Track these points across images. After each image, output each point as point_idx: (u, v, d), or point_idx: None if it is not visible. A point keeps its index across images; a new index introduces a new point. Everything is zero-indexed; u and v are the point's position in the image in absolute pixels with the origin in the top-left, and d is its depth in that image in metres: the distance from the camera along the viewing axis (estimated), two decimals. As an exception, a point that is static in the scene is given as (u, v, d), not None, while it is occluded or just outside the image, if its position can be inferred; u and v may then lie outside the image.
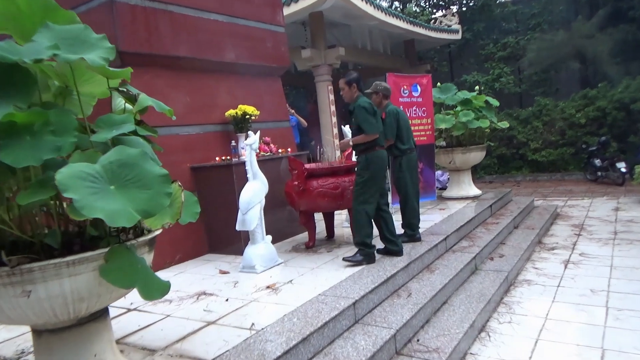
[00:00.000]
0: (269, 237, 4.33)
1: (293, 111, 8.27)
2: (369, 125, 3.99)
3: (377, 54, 13.83)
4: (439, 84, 7.03)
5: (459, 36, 15.34)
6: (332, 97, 11.48)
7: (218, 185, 4.90)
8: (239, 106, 5.37)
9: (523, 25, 17.23)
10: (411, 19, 13.32)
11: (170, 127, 4.90)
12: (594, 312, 3.75)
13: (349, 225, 5.06)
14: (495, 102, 6.76)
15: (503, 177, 14.46)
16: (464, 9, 18.28)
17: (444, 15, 15.58)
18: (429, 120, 6.41)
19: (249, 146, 4.17)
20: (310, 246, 4.85)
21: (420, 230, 5.13)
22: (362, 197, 4.04)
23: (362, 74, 17.53)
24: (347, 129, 5.75)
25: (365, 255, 4.05)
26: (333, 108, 11.48)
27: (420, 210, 6.39)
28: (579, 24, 13.98)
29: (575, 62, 14.14)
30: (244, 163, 4.32)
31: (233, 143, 5.36)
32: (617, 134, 13.03)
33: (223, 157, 5.12)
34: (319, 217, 5.22)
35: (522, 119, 14.29)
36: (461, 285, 4.16)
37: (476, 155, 6.82)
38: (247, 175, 4.22)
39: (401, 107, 6.08)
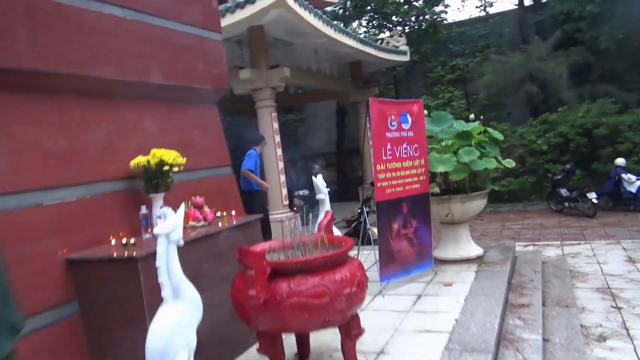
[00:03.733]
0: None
1: None
2: None
3: (323, 76, 12.25)
4: (425, 112, 5.40)
5: (407, 57, 14.21)
6: (275, 125, 9.67)
7: (114, 293, 2.81)
8: (153, 151, 3.37)
9: (470, 47, 16.57)
10: (360, 37, 11.92)
11: (25, 193, 2.80)
12: None
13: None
14: (499, 136, 5.21)
15: (463, 210, 13.25)
16: (407, 29, 17.41)
17: (391, 36, 14.44)
18: (422, 162, 4.73)
19: (164, 237, 2.21)
20: (276, 383, 2.89)
21: (443, 338, 3.36)
22: None
23: (306, 97, 15.90)
24: (320, 181, 3.94)
25: None
26: (278, 138, 9.66)
27: (419, 287, 4.63)
28: (534, 45, 13.31)
29: (532, 85, 13.40)
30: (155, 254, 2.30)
31: (143, 210, 3.34)
32: (579, 160, 12.31)
33: (124, 239, 3.04)
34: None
35: (479, 146, 13.23)
36: None
37: (478, 204, 5.21)
38: (162, 294, 2.24)
39: (388, 143, 4.38)
